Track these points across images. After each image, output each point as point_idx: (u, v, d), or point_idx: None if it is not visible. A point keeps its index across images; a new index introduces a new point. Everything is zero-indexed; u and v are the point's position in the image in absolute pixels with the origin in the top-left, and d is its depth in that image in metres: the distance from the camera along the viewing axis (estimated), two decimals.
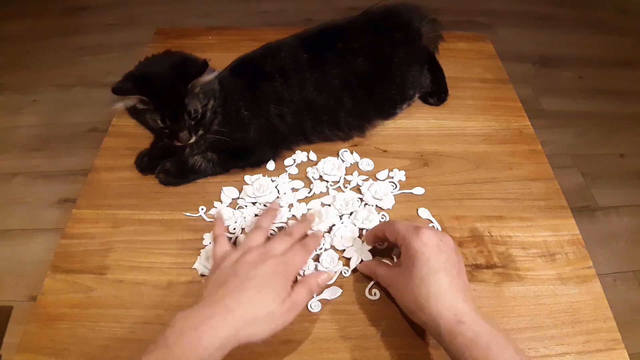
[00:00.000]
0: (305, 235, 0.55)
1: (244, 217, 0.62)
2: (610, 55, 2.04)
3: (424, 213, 0.64)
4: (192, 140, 0.61)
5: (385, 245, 0.59)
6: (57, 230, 1.30)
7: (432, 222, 0.63)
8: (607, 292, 0.57)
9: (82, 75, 1.83)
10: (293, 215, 0.63)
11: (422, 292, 0.45)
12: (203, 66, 0.57)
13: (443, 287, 0.45)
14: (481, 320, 0.43)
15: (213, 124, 0.63)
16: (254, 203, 0.64)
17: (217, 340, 0.40)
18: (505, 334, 0.42)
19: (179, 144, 0.60)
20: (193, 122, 0.59)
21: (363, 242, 0.60)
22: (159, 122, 0.58)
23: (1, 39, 2.01)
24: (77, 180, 1.43)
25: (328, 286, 0.56)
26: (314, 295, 0.54)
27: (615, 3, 2.35)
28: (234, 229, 0.61)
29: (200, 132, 0.61)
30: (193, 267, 0.57)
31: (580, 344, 0.53)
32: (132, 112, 0.59)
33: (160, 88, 0.57)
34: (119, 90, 0.56)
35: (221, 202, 0.65)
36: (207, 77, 0.58)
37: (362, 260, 0.58)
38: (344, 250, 0.59)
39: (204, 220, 0.63)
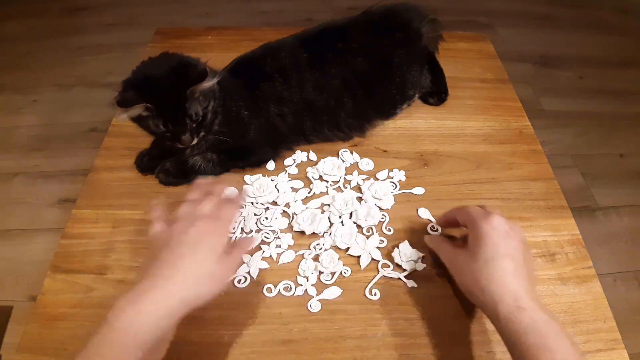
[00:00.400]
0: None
1: (243, 217, 0.62)
2: (610, 55, 2.04)
3: (424, 213, 0.64)
4: (194, 142, 0.61)
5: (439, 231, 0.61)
6: (57, 230, 1.30)
7: (432, 222, 0.63)
8: (607, 292, 0.57)
9: (82, 75, 1.83)
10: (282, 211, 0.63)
11: (485, 274, 0.46)
12: (202, 74, 0.57)
13: (507, 272, 0.46)
14: (541, 309, 0.43)
15: (214, 124, 0.63)
16: (252, 203, 0.64)
17: (161, 310, 0.39)
18: (563, 327, 0.43)
19: (181, 146, 0.61)
20: (194, 125, 0.59)
21: (367, 238, 0.60)
22: (161, 126, 0.58)
23: (1, 39, 2.01)
24: (77, 180, 1.43)
25: (327, 286, 0.56)
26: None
27: (615, 3, 2.35)
28: (233, 228, 0.61)
29: (202, 133, 0.61)
30: None
31: (580, 344, 0.53)
32: (135, 119, 0.59)
33: (161, 93, 0.56)
34: (124, 102, 0.55)
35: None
36: (207, 84, 0.58)
37: (372, 259, 0.59)
38: (348, 248, 0.60)
39: None
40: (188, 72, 0.57)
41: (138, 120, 0.59)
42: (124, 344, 0.37)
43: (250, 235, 0.61)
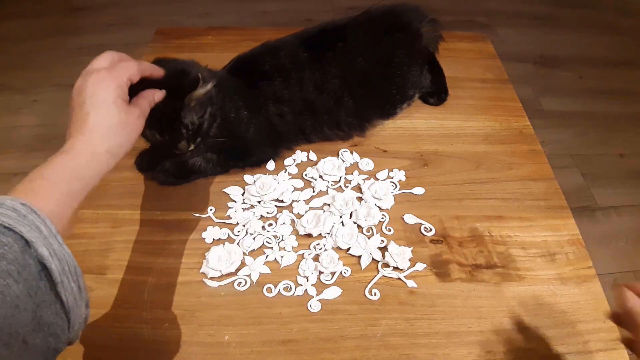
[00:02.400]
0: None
1: (254, 215, 0.63)
2: (610, 55, 2.03)
3: (409, 219, 0.64)
4: (192, 148, 0.60)
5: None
6: None
7: (422, 224, 0.63)
8: (607, 292, 0.57)
9: None
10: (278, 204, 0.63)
11: None
12: (195, 82, 0.54)
13: None
14: None
15: (212, 127, 0.61)
16: (260, 202, 0.64)
17: (83, 159, 0.41)
18: None
19: (178, 152, 0.60)
20: (191, 132, 0.58)
21: (368, 238, 0.60)
22: (158, 136, 0.57)
23: (1, 39, 2.00)
24: None
25: (327, 286, 0.56)
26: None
27: (615, 3, 2.35)
28: (238, 232, 0.61)
29: (199, 140, 0.60)
30: (200, 271, 0.57)
31: (580, 344, 0.53)
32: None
33: (155, 105, 0.54)
34: None
35: (235, 202, 0.65)
36: (202, 90, 0.56)
37: (373, 259, 0.59)
38: (349, 248, 0.60)
39: (205, 220, 0.63)
40: (182, 81, 0.55)
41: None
42: (58, 190, 0.38)
43: (254, 236, 0.61)
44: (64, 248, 0.34)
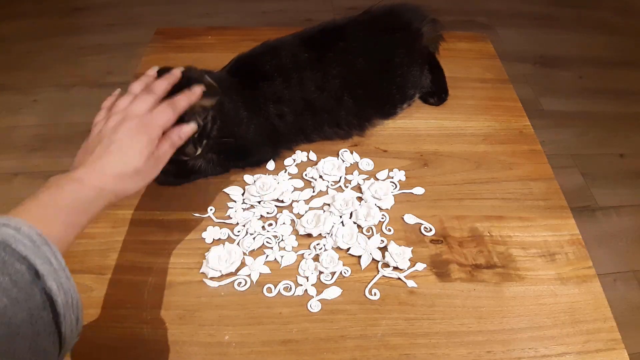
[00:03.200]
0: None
1: (254, 215, 0.63)
2: (610, 55, 2.03)
3: (409, 219, 0.64)
4: (199, 152, 0.59)
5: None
6: None
7: (422, 224, 0.63)
8: (607, 292, 0.57)
9: (82, 75, 1.83)
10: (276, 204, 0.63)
11: None
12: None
13: None
14: None
15: (213, 129, 0.61)
16: (260, 202, 0.64)
17: (92, 192, 0.42)
18: None
19: (186, 158, 0.59)
20: (196, 136, 0.57)
21: (368, 238, 0.60)
22: None
23: (1, 39, 2.00)
24: None
25: (327, 286, 0.56)
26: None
27: (615, 3, 2.35)
28: (238, 232, 0.61)
29: (205, 142, 0.59)
30: (200, 271, 0.57)
31: (580, 344, 0.53)
32: None
33: None
34: None
35: (235, 202, 0.65)
36: (206, 102, 0.55)
37: (373, 259, 0.59)
38: (349, 248, 0.60)
39: (205, 220, 0.63)
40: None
41: None
42: (68, 220, 0.39)
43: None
44: (70, 282, 0.36)
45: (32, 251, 0.33)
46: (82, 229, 0.41)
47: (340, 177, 0.68)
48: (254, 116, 0.66)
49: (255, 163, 0.70)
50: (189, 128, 0.52)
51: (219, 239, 0.61)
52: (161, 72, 0.56)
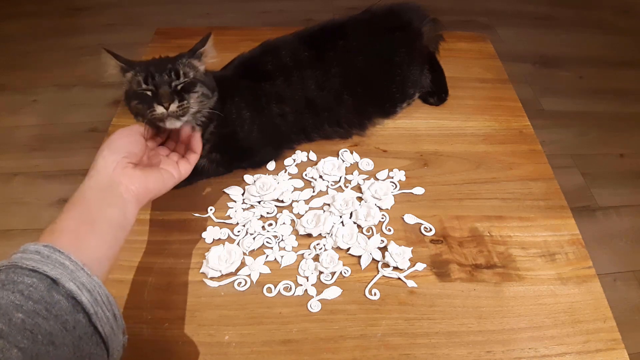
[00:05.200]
0: None
1: (254, 215, 0.63)
2: (610, 55, 2.03)
3: (409, 219, 0.64)
4: (174, 106, 0.52)
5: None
6: None
7: (422, 224, 0.63)
8: (607, 292, 0.57)
9: (82, 75, 1.82)
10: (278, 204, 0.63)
11: None
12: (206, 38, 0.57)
13: None
14: None
15: (209, 127, 0.61)
16: (259, 202, 0.65)
17: (132, 194, 0.45)
18: None
19: (159, 108, 0.52)
20: (178, 87, 0.53)
21: (368, 238, 0.60)
22: (142, 83, 0.53)
23: (1, 39, 2.00)
24: (77, 180, 1.39)
25: (327, 286, 0.56)
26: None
27: (615, 3, 2.35)
28: (238, 232, 0.61)
29: (184, 103, 0.53)
30: (200, 271, 0.57)
31: (580, 344, 0.53)
32: (127, 97, 0.56)
33: (156, 59, 0.57)
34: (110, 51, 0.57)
35: (235, 202, 0.65)
36: (202, 89, 0.55)
37: (373, 259, 0.59)
38: (349, 248, 0.60)
39: (205, 220, 0.63)
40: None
41: (128, 97, 0.55)
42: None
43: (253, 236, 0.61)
44: (93, 279, 0.36)
45: (39, 262, 0.34)
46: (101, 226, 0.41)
47: (340, 177, 0.68)
48: (257, 116, 0.66)
49: (257, 163, 0.70)
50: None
51: (219, 239, 0.61)
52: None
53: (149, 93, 0.53)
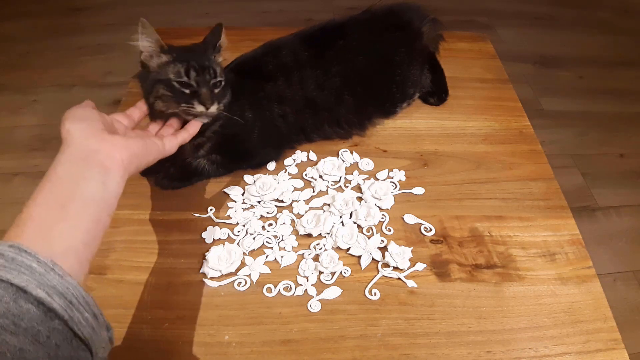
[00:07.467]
0: None
1: (254, 215, 0.63)
2: (610, 55, 2.03)
3: (409, 219, 0.64)
4: (214, 108, 0.55)
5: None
6: None
7: (422, 224, 0.63)
8: (607, 292, 0.57)
9: (82, 75, 1.83)
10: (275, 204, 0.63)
11: None
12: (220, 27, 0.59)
13: None
14: None
15: (214, 125, 0.62)
16: (260, 202, 0.64)
17: (115, 161, 0.41)
18: None
19: (199, 107, 0.54)
20: (216, 90, 0.56)
21: (368, 238, 0.60)
22: (183, 75, 0.54)
23: (1, 39, 2.00)
24: None
25: (327, 286, 0.56)
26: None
27: (615, 3, 2.35)
28: (238, 232, 0.61)
29: (220, 106, 0.56)
30: (200, 271, 0.57)
31: (580, 344, 0.53)
32: (152, 80, 0.55)
33: (189, 48, 0.58)
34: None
35: (235, 202, 0.65)
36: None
37: (373, 259, 0.59)
38: (349, 248, 0.60)
39: (205, 220, 0.63)
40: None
41: (146, 75, 0.56)
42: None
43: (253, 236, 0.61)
44: (66, 280, 0.32)
45: (3, 270, 0.30)
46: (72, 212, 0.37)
47: (340, 177, 0.68)
48: (259, 117, 0.66)
49: (258, 164, 0.70)
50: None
51: (219, 239, 0.61)
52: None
53: (187, 90, 0.54)
